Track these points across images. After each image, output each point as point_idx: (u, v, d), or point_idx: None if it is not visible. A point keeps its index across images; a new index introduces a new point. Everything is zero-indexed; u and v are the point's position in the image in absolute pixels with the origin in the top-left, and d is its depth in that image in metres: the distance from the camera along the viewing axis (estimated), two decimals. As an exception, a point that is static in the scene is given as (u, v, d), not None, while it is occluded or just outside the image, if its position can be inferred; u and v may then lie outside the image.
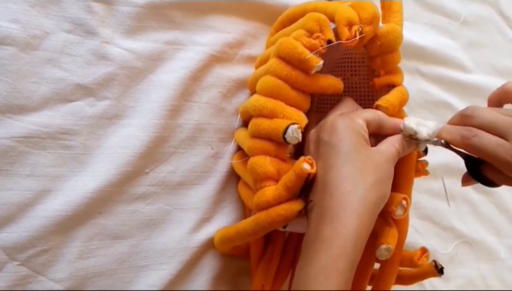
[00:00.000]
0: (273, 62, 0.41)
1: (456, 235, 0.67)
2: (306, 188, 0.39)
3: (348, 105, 0.43)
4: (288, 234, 0.51)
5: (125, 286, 0.46)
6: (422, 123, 0.42)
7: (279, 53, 0.41)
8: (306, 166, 0.38)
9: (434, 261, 0.47)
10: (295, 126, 0.39)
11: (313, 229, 0.35)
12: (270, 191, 0.40)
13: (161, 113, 0.46)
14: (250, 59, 0.53)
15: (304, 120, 0.41)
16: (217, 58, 0.50)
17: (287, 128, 0.39)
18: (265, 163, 0.40)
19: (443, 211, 0.66)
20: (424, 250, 0.47)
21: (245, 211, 0.51)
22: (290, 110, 0.40)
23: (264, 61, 0.48)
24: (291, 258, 0.50)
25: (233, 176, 0.51)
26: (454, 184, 0.68)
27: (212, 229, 0.49)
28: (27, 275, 0.41)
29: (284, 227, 0.40)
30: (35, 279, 0.42)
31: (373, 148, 0.39)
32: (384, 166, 0.37)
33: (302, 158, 0.38)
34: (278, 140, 0.40)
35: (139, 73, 0.46)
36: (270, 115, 0.40)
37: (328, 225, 0.34)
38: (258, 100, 0.41)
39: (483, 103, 0.70)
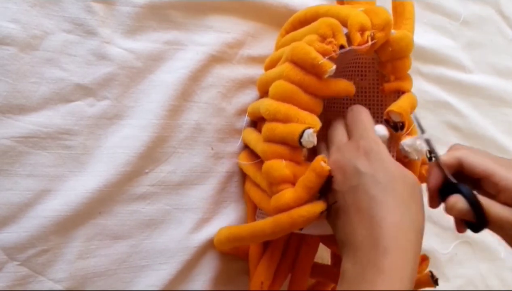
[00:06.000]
0: (286, 67, 0.41)
1: (456, 235, 0.67)
2: (325, 189, 0.39)
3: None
4: (289, 235, 0.51)
5: (125, 286, 0.46)
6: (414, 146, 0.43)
7: (292, 58, 0.41)
8: (323, 165, 0.38)
9: (430, 271, 0.48)
10: (311, 130, 0.39)
11: (364, 258, 0.35)
12: (289, 193, 0.39)
13: (161, 113, 0.46)
14: (250, 59, 0.53)
15: (318, 124, 0.41)
16: (217, 58, 0.50)
17: (303, 132, 0.39)
18: (280, 166, 0.40)
19: (443, 211, 0.66)
20: (424, 258, 0.47)
21: (247, 211, 0.51)
22: (304, 114, 0.41)
23: (274, 62, 0.48)
24: (291, 258, 0.50)
25: (233, 176, 0.51)
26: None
27: (212, 229, 0.49)
28: (27, 275, 0.41)
29: (301, 229, 0.40)
30: (35, 279, 0.42)
31: (398, 164, 0.38)
32: (416, 186, 0.37)
33: (318, 157, 0.38)
34: (293, 144, 0.40)
35: (139, 73, 0.46)
36: (284, 120, 0.40)
37: (382, 256, 0.33)
38: (271, 105, 0.41)
39: (483, 103, 0.71)
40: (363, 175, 0.37)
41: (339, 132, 0.42)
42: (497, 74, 0.73)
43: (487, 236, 0.70)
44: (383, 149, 0.38)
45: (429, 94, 0.66)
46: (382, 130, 0.42)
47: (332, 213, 0.39)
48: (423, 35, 0.66)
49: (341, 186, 0.38)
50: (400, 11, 0.45)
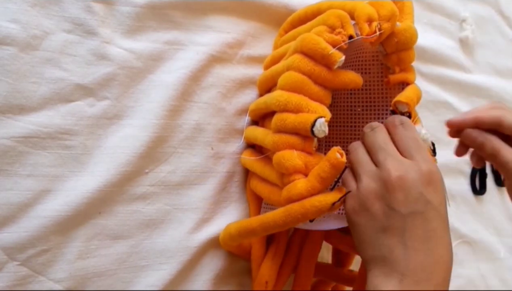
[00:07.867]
0: (296, 58, 0.41)
1: (456, 235, 0.67)
2: (339, 180, 0.39)
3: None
4: (292, 232, 0.51)
5: (125, 286, 0.46)
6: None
7: (302, 49, 0.41)
8: (339, 156, 0.38)
9: None
10: (323, 119, 0.39)
11: (414, 286, 0.35)
12: (301, 183, 0.39)
13: (161, 113, 0.46)
14: (250, 59, 0.53)
15: (328, 114, 0.41)
16: (217, 58, 0.50)
17: (315, 121, 0.39)
18: (292, 156, 0.40)
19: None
20: None
21: (249, 210, 0.51)
22: (315, 105, 0.41)
23: (275, 60, 0.48)
24: (295, 256, 0.50)
25: (233, 176, 0.51)
26: (454, 184, 0.68)
27: (212, 229, 0.49)
28: (27, 275, 0.41)
29: (311, 220, 0.40)
30: (35, 279, 0.42)
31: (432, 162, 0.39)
32: (442, 183, 0.39)
33: (334, 148, 0.38)
34: (305, 134, 0.40)
35: (139, 73, 0.47)
36: (296, 110, 0.40)
37: (426, 254, 0.35)
38: (281, 95, 0.41)
39: (483, 103, 0.71)
40: (429, 205, 0.36)
41: (364, 157, 0.40)
42: (497, 74, 0.73)
43: (487, 236, 0.70)
44: (441, 176, 0.38)
45: (429, 94, 0.66)
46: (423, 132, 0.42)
47: (372, 226, 0.38)
48: (423, 35, 0.66)
49: (401, 208, 0.36)
50: (399, 7, 0.46)
